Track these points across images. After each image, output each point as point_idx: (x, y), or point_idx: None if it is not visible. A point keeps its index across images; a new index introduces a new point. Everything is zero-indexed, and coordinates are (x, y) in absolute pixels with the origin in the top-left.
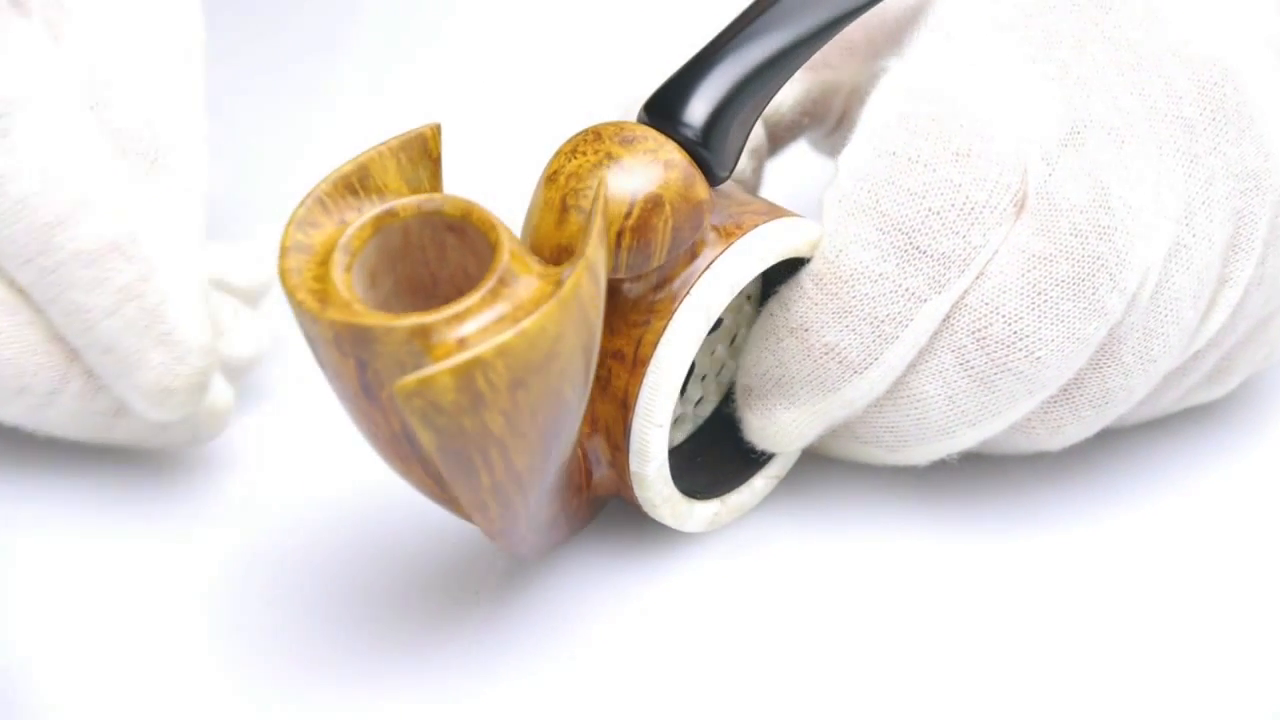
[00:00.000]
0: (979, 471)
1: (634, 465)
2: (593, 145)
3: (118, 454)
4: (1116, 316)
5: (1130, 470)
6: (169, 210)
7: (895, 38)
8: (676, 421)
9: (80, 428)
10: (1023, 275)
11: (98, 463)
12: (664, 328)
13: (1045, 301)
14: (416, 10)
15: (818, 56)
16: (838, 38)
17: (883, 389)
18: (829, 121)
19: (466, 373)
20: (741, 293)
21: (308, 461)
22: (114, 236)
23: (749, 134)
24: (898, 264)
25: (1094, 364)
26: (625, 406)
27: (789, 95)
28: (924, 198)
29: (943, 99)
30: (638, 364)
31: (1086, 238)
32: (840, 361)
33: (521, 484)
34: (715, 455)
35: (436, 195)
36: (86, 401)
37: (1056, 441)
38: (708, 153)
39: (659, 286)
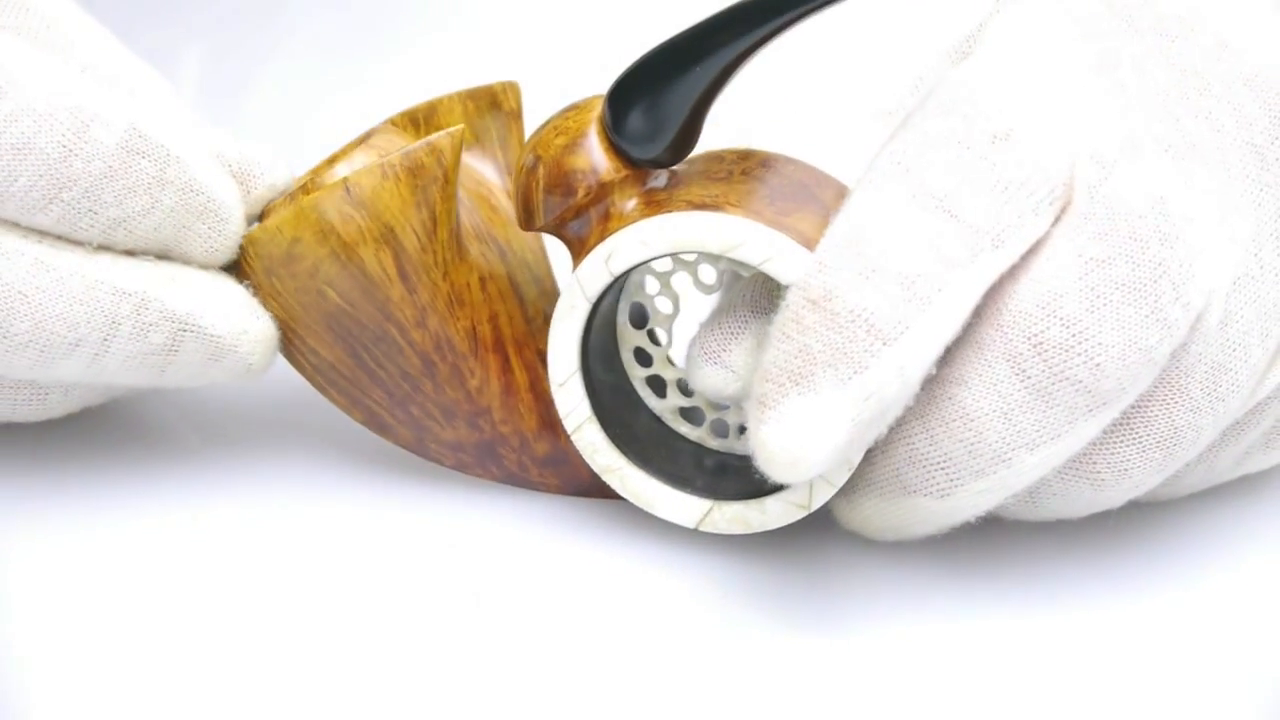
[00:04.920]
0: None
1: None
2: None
3: (110, 445)
4: (1180, 333)
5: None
6: (151, 100)
7: None
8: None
9: (136, 372)
10: (1081, 279)
11: (90, 453)
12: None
13: (1105, 305)
14: None
15: None
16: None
17: (913, 384)
18: None
19: (243, 249)
20: None
21: (306, 460)
22: (121, 140)
23: (682, 124)
24: (927, 222)
25: (1161, 399)
26: None
27: None
28: (957, 168)
29: (984, 86)
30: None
31: (1147, 243)
32: (868, 328)
33: (345, 378)
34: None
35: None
36: (140, 341)
37: (1122, 488)
38: (616, 136)
39: (581, 249)
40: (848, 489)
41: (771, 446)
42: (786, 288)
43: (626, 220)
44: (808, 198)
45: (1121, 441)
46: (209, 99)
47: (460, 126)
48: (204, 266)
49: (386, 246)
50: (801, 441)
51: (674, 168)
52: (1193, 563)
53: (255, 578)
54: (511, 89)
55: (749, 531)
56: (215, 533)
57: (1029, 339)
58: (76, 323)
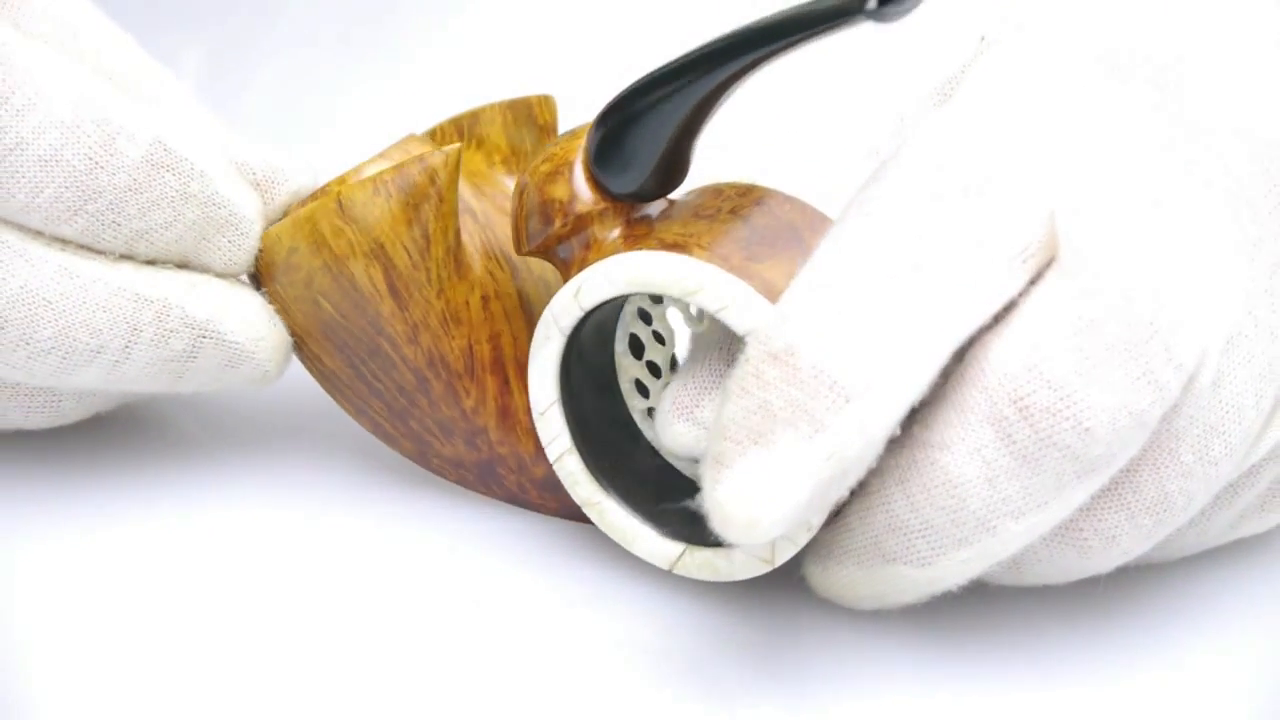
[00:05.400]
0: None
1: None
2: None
3: (115, 446)
4: (1173, 396)
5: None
6: (175, 107)
7: None
8: None
9: (154, 378)
10: (1068, 339)
11: (92, 450)
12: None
13: (1094, 367)
14: None
15: None
16: None
17: (876, 444)
18: None
19: (258, 252)
20: None
21: (309, 463)
22: (146, 153)
23: (658, 159)
24: (894, 275)
25: (1151, 464)
26: None
27: None
28: (926, 220)
29: (959, 135)
30: None
31: (1137, 301)
32: (831, 384)
33: (348, 386)
34: None
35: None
36: (160, 348)
37: (1111, 555)
38: (595, 168)
39: (566, 276)
40: (823, 556)
41: (729, 507)
42: (744, 338)
43: (605, 252)
44: (791, 242)
45: (1110, 508)
46: (207, 101)
47: (457, 146)
48: (222, 276)
49: (376, 262)
50: (760, 501)
51: (674, 198)
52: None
53: (256, 583)
54: (546, 103)
55: (717, 579)
56: (219, 537)
57: (1015, 402)
58: (99, 329)
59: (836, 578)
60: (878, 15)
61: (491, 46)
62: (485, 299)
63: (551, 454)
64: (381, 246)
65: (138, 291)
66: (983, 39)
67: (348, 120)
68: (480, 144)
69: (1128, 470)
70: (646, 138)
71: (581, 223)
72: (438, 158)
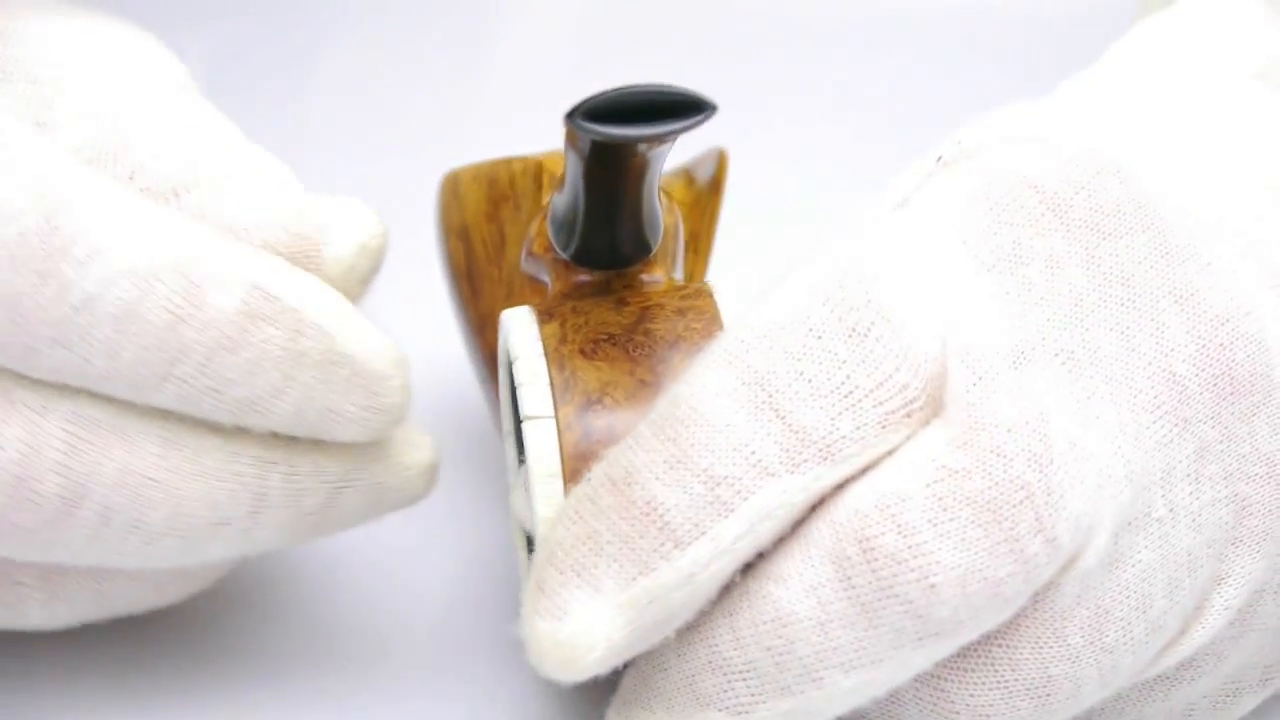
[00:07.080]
0: None
1: None
2: None
3: None
4: (1042, 571)
5: None
6: (249, 232)
7: None
8: None
9: (293, 535)
10: (928, 486)
11: None
12: None
13: (950, 520)
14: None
15: None
16: None
17: (706, 591)
18: None
19: None
20: None
21: None
22: (241, 301)
23: (578, 234)
24: (749, 419)
25: (1032, 641)
26: None
27: None
28: (800, 361)
29: (857, 269)
30: None
31: (1012, 461)
32: (661, 525)
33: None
34: None
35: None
36: (293, 507)
37: None
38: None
39: None
40: (628, 703)
41: (545, 643)
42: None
43: (544, 295)
44: (652, 355)
45: (984, 683)
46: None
47: (536, 159)
48: (357, 439)
49: (462, 242)
50: (577, 643)
51: (651, 274)
52: None
53: (257, 580)
54: (720, 158)
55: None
56: None
57: (860, 542)
58: (218, 502)
59: None
60: (601, 135)
61: (509, 59)
62: None
63: (511, 480)
64: (467, 230)
65: (257, 453)
66: (939, 159)
67: (348, 127)
68: (666, 195)
69: (1004, 644)
70: (564, 212)
71: (538, 261)
72: (519, 162)
